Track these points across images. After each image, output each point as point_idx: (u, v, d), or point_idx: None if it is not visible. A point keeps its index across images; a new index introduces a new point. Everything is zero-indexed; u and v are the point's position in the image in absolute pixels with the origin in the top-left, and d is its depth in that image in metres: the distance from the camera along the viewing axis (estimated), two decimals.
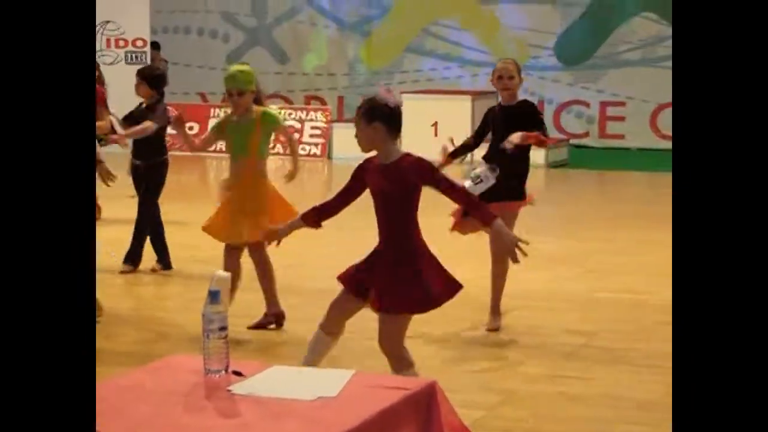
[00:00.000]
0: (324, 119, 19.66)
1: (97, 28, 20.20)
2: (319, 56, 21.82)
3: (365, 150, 5.72)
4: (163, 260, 10.01)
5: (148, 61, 20.24)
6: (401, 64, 21.30)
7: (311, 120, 19.81)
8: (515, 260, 5.64)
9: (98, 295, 9.22)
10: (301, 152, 19.62)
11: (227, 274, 4.22)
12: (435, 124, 18.67)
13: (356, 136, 5.64)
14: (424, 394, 4.01)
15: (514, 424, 6.21)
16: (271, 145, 8.53)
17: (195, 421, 3.65)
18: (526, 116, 8.03)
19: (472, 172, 7.97)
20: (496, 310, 8.23)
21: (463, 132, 18.67)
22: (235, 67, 8.03)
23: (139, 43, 20.17)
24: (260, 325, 8.08)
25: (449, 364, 7.31)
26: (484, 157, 8.15)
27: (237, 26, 22.45)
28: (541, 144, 8.00)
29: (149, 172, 10.00)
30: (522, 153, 8.01)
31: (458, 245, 11.65)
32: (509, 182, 7.93)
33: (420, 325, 8.21)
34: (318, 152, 19.40)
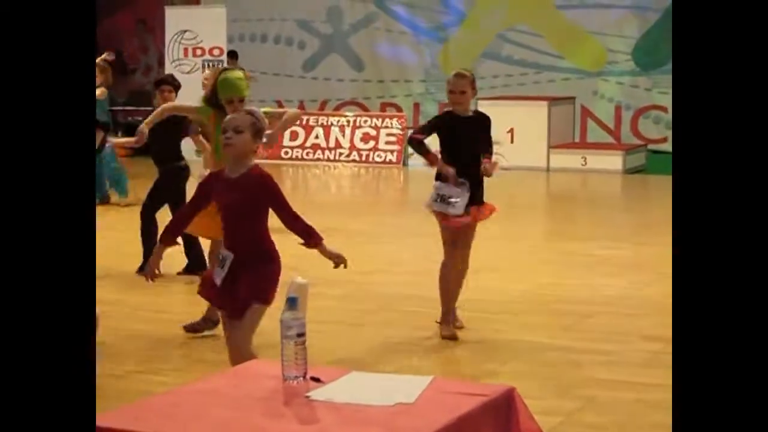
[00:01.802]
0: (399, 126, 19.69)
1: (175, 37, 20.42)
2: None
3: None
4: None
5: None
6: (477, 70, 21.25)
7: (387, 127, 19.85)
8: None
9: (171, 303, 9.32)
10: (377, 159, 19.69)
11: (305, 281, 4.25)
12: (511, 131, 18.61)
13: None
14: (502, 401, 4.00)
15: (593, 431, 6.17)
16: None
17: (274, 427, 3.67)
18: (485, 129, 8.03)
19: (440, 197, 7.87)
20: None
21: (539, 137, 18.69)
22: (233, 75, 8.02)
23: (216, 51, 20.35)
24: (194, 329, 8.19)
25: (527, 369, 7.28)
26: (441, 177, 7.92)
27: (313, 34, 22.55)
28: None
29: (165, 178, 10.24)
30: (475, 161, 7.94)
31: (534, 254, 11.63)
32: (478, 190, 7.96)
33: (495, 333, 8.21)
34: (393, 159, 19.43)
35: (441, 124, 8.09)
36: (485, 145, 8.05)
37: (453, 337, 7.94)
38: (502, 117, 18.88)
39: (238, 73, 8.05)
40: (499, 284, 9.78)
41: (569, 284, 9.73)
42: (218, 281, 5.78)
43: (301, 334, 4.07)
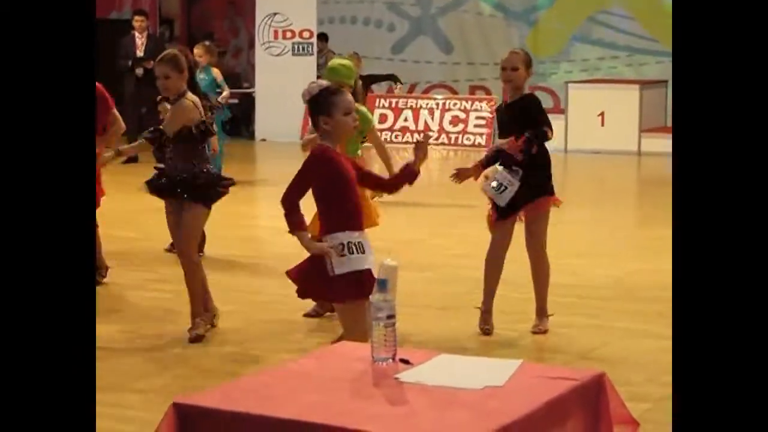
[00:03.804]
0: (488, 109, 19.60)
1: (265, 20, 20.54)
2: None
3: None
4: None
5: (315, 53, 20.49)
6: (568, 53, 21.09)
7: (476, 110, 19.78)
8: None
9: (265, 284, 9.39)
10: (466, 142, 19.64)
11: (395, 264, 4.25)
12: (601, 114, 18.45)
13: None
14: (592, 386, 3.98)
15: None
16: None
17: (363, 408, 3.69)
18: (526, 111, 7.64)
19: (493, 182, 7.59)
20: (542, 311, 7.87)
21: (630, 121, 18.51)
22: (337, 61, 8.02)
23: (306, 34, 20.43)
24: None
25: (617, 355, 7.23)
26: (501, 162, 7.69)
27: (402, 16, 22.53)
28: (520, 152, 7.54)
29: None
30: (539, 146, 7.57)
31: (624, 239, 11.52)
32: (534, 179, 7.58)
33: (584, 318, 8.17)
34: (482, 142, 19.35)
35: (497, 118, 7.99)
36: (530, 127, 7.57)
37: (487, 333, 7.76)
38: (592, 100, 18.77)
39: (342, 60, 8.06)
40: (588, 270, 9.72)
41: (660, 270, 9.62)
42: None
43: (391, 316, 4.08)
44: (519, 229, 7.79)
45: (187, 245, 7.76)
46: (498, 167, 7.69)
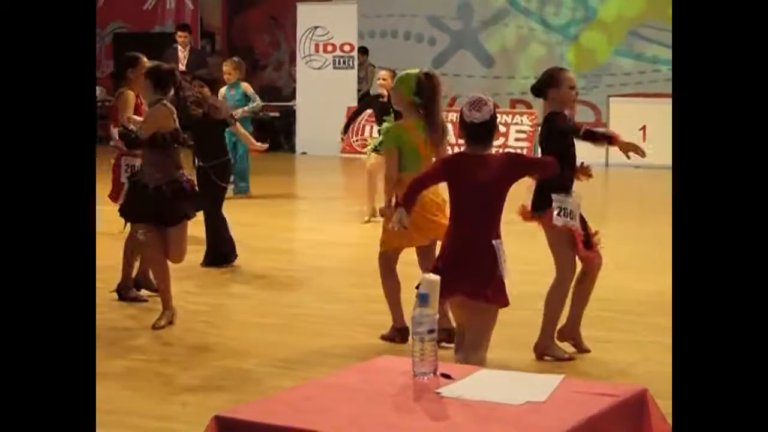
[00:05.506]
0: (530, 123, 19.58)
1: (306, 33, 20.62)
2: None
3: None
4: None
5: (355, 66, 20.54)
6: (609, 67, 21.04)
7: (516, 123, 19.76)
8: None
9: (301, 299, 9.40)
10: None
11: (437, 278, 4.24)
12: (643, 128, 18.38)
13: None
14: (634, 402, 3.96)
15: None
16: None
17: (403, 422, 3.68)
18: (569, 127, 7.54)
19: (566, 210, 7.41)
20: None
21: (669, 136, 18.40)
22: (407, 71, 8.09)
23: (347, 47, 20.48)
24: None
25: (658, 370, 7.18)
26: (556, 188, 7.44)
27: (443, 30, 22.55)
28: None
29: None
30: None
31: (665, 254, 11.45)
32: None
33: (624, 333, 8.12)
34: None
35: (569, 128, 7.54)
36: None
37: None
38: (634, 114, 18.70)
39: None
40: (628, 284, 9.67)
41: None
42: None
43: (432, 331, 4.07)
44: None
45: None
46: (555, 195, 7.45)
